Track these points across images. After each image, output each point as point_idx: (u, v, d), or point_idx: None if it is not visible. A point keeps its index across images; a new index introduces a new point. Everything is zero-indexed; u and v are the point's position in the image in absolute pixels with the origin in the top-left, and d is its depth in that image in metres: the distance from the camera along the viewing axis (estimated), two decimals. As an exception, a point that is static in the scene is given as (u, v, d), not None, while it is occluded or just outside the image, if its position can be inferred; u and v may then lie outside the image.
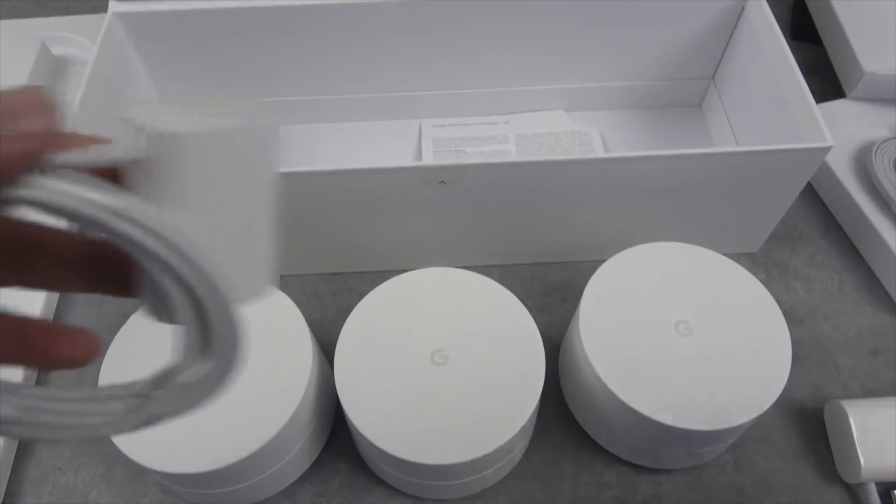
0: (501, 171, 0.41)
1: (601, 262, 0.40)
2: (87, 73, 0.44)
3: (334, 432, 0.42)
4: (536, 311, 0.47)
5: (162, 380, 0.19)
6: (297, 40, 0.50)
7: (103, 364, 0.37)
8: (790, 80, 0.43)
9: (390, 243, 0.46)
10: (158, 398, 0.19)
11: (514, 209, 0.44)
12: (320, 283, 0.49)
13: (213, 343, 0.19)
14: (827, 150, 0.40)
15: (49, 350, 0.19)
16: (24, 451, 0.42)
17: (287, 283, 0.49)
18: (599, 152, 0.53)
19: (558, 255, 0.49)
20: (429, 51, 0.51)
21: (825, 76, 0.58)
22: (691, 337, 0.37)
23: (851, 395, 0.43)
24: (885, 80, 0.52)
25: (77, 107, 0.43)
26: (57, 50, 0.61)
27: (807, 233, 0.51)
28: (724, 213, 0.45)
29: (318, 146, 0.55)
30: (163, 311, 0.19)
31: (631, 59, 0.53)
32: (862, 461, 0.38)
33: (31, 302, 0.46)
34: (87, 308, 0.48)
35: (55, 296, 0.48)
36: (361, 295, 0.40)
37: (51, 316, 0.47)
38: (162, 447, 0.35)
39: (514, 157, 0.53)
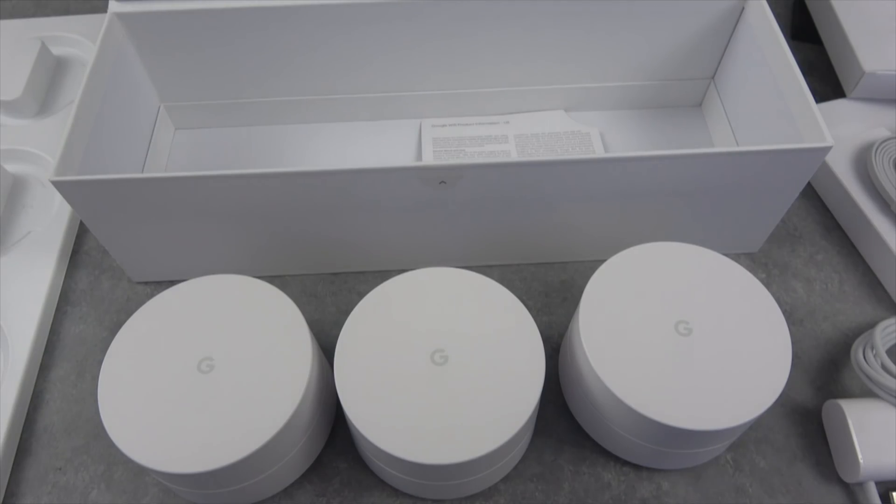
0: (501, 171, 0.41)
1: (601, 262, 0.40)
2: (86, 73, 0.44)
3: (334, 432, 0.42)
4: (536, 311, 0.47)
5: None
6: (297, 40, 0.50)
7: (104, 364, 0.37)
8: (790, 80, 0.43)
9: (390, 243, 0.46)
10: None
11: (514, 209, 0.44)
12: (320, 283, 0.49)
13: None
14: (827, 150, 0.40)
15: None
16: (24, 451, 0.42)
17: (287, 283, 0.49)
18: (599, 152, 0.53)
19: (558, 255, 0.49)
20: (429, 51, 0.51)
21: (825, 76, 0.58)
22: (691, 337, 0.37)
23: (851, 396, 0.43)
24: (885, 80, 0.52)
25: (77, 107, 0.43)
26: (57, 50, 0.61)
27: (807, 233, 0.51)
28: (724, 213, 0.45)
29: (318, 146, 0.55)
30: None
31: (631, 59, 0.53)
32: (861, 461, 0.38)
33: (31, 301, 0.46)
34: (87, 308, 0.48)
35: (55, 294, 0.48)
36: (361, 295, 0.40)
37: (52, 315, 0.47)
38: (162, 447, 0.35)
39: (514, 157, 0.53)
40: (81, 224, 0.52)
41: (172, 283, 0.40)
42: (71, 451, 0.42)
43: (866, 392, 0.41)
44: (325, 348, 0.44)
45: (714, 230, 0.47)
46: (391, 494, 0.40)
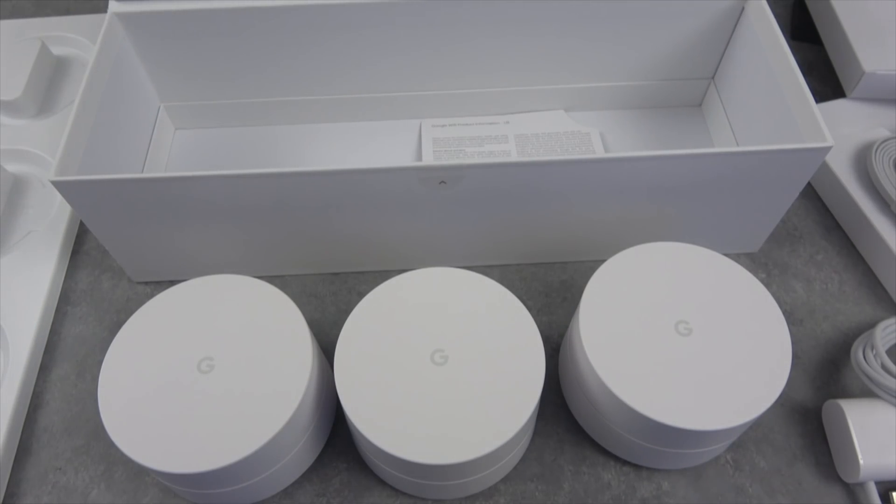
0: (501, 171, 0.41)
1: (601, 262, 0.40)
2: (87, 73, 0.44)
3: (334, 432, 0.42)
4: (536, 311, 0.47)
5: None
6: (297, 40, 0.50)
7: (104, 363, 0.37)
8: (790, 80, 0.43)
9: (390, 243, 0.46)
10: None
11: (514, 209, 0.44)
12: (320, 283, 0.49)
13: None
14: (827, 150, 0.40)
15: None
16: (24, 451, 0.42)
17: (287, 283, 0.49)
18: (599, 152, 0.53)
19: (558, 255, 0.49)
20: (429, 51, 0.51)
21: (825, 76, 0.58)
22: (691, 337, 0.37)
23: (851, 395, 0.43)
24: (885, 80, 0.52)
25: (77, 107, 0.43)
26: (57, 50, 0.61)
27: (807, 233, 0.51)
28: (724, 213, 0.45)
29: (318, 146, 0.55)
30: None
31: (631, 59, 0.53)
32: (861, 461, 0.38)
33: (31, 301, 0.46)
34: (87, 308, 0.48)
35: (56, 294, 0.48)
36: (361, 295, 0.40)
37: (52, 315, 0.47)
38: (162, 447, 0.35)
39: (514, 157, 0.53)
40: (81, 224, 0.52)
41: (172, 283, 0.41)
42: (71, 451, 0.42)
43: (866, 392, 0.41)
44: (325, 348, 0.44)
45: (714, 230, 0.47)
46: (391, 494, 0.40)
